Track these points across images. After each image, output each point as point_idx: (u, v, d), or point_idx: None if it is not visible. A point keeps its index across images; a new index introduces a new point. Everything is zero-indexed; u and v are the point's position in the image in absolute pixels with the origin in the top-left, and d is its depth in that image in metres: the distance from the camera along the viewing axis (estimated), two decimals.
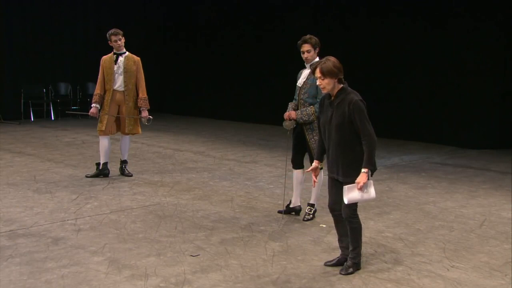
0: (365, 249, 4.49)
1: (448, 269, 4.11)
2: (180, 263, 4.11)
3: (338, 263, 4.11)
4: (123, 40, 6.80)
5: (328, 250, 4.47)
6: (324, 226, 5.14)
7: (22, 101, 12.87)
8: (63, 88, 13.57)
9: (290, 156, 5.47)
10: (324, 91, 3.92)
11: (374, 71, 10.68)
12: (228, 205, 5.80)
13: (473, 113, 9.70)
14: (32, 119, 12.89)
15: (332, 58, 3.94)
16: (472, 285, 3.84)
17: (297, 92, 5.28)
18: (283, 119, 5.26)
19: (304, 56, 5.17)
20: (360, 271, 4.03)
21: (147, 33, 14.36)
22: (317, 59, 5.20)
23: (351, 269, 3.99)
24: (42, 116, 13.17)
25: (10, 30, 12.59)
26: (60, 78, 13.43)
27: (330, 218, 5.31)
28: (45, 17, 13.10)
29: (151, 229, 4.93)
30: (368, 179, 3.79)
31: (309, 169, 4.21)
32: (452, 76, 9.85)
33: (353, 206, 3.93)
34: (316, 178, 4.18)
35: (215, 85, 13.69)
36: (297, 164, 5.40)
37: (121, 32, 6.79)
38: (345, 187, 3.81)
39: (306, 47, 5.14)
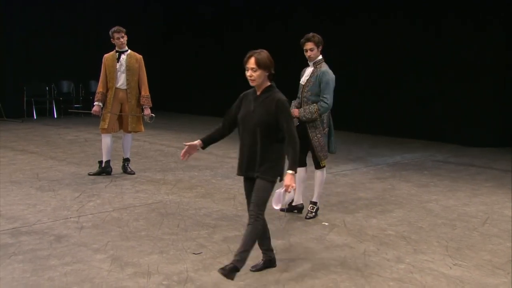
0: (367, 247, 4.51)
1: (450, 267, 4.10)
2: (183, 261, 4.11)
3: (265, 265, 3.98)
4: (125, 38, 6.79)
5: (331, 248, 4.47)
6: (327, 224, 5.14)
7: (25, 99, 12.88)
8: (65, 86, 13.58)
9: None
10: (253, 84, 3.71)
11: (377, 70, 10.67)
12: (230, 203, 5.80)
13: (476, 111, 9.69)
14: (35, 117, 12.90)
15: (265, 51, 3.71)
16: (474, 283, 3.83)
17: (300, 90, 5.28)
18: None
19: (307, 54, 5.17)
20: (362, 269, 4.01)
21: (148, 31, 14.36)
22: (320, 57, 5.21)
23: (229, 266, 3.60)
24: (44, 114, 13.18)
25: (12, 28, 12.59)
26: (63, 76, 13.43)
27: (332, 216, 5.37)
28: (47, 15, 13.11)
29: (154, 227, 4.93)
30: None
31: (188, 143, 3.92)
32: (454, 74, 9.84)
33: (262, 207, 3.71)
34: (187, 154, 3.90)
35: (217, 83, 13.68)
36: (300, 162, 5.37)
37: (124, 30, 6.78)
38: (277, 193, 3.61)
39: (309, 45, 5.14)
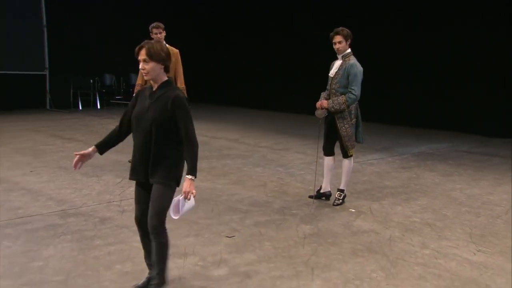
0: (393, 232, 4.61)
1: (474, 253, 4.17)
2: (217, 244, 4.29)
3: (148, 282, 3.43)
4: (163, 34, 7.04)
5: (358, 234, 4.59)
6: (353, 211, 5.27)
7: (71, 91, 13.61)
8: (108, 79, 14.23)
9: (321, 144, 5.61)
10: (147, 77, 3.28)
11: (403, 62, 10.67)
12: (261, 190, 5.97)
13: (500, 103, 9.62)
14: (80, 108, 13.62)
15: (160, 43, 3.37)
16: (498, 268, 3.89)
17: (329, 82, 5.39)
18: (315, 108, 5.40)
19: (336, 47, 5.27)
20: (388, 254, 4.10)
21: (187, 26, 14.68)
22: (348, 50, 5.32)
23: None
24: (89, 105, 13.88)
25: (61, 27, 13.20)
26: (105, 70, 14.06)
27: (359, 203, 5.50)
28: (91, 14, 13.66)
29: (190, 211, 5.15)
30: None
31: (80, 152, 3.52)
32: (479, 66, 9.77)
33: (162, 216, 3.26)
34: (80, 162, 3.53)
35: (249, 76, 13.89)
36: (328, 151, 5.55)
37: (163, 26, 7.04)
38: (176, 200, 3.21)
39: (338, 38, 5.24)
